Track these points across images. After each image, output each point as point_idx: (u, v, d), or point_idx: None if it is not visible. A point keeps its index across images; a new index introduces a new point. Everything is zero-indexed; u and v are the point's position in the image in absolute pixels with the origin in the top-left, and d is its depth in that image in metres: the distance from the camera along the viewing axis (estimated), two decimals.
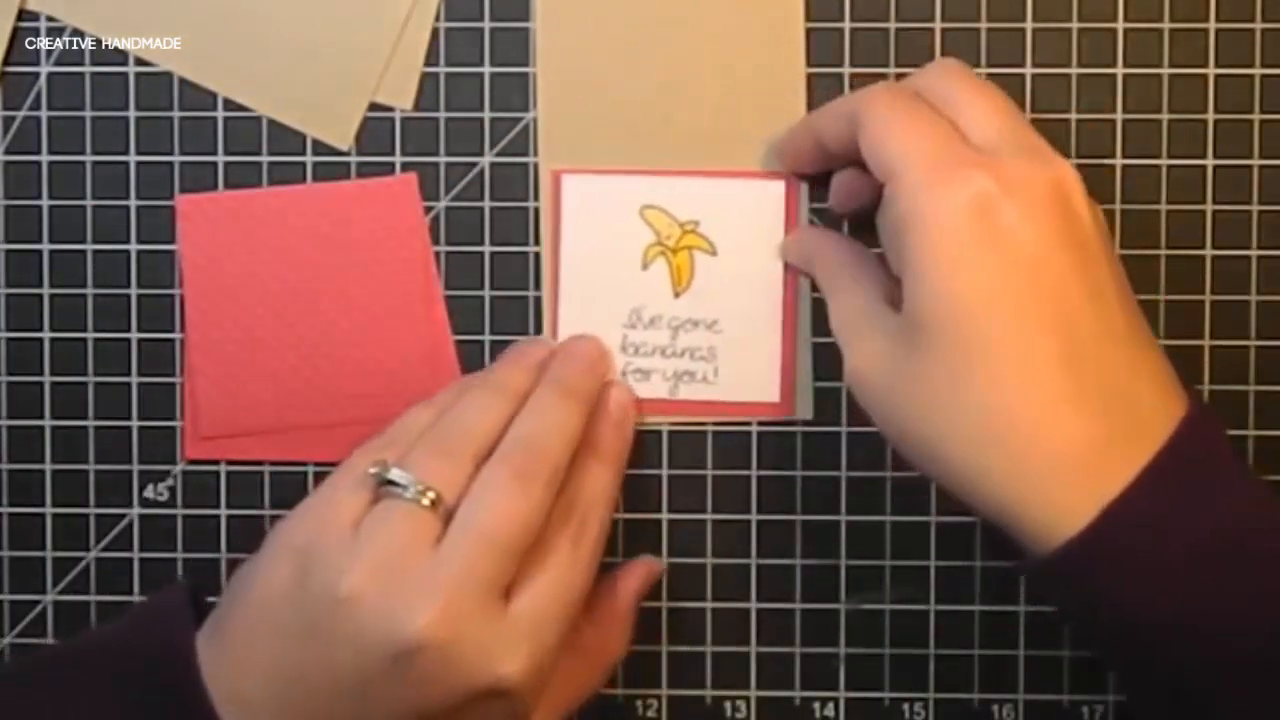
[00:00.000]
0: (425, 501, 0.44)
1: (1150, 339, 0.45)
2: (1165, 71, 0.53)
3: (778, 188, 0.53)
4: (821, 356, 0.53)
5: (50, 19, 0.53)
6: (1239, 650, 0.41)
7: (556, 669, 0.46)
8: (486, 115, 0.53)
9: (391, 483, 0.45)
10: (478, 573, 0.44)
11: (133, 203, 0.53)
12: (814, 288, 0.53)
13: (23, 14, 0.53)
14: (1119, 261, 0.45)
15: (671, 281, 0.53)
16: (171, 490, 0.54)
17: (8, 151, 0.53)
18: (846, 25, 0.53)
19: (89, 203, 0.54)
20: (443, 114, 0.53)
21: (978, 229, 0.43)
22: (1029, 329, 0.42)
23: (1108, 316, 0.43)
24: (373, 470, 0.45)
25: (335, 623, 0.43)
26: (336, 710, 0.44)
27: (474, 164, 0.53)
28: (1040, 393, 0.42)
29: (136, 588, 0.54)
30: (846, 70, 0.53)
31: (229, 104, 0.53)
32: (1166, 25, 0.53)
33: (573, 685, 0.50)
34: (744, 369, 0.53)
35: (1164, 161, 0.53)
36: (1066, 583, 0.43)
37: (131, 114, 0.53)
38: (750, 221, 0.53)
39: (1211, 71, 0.53)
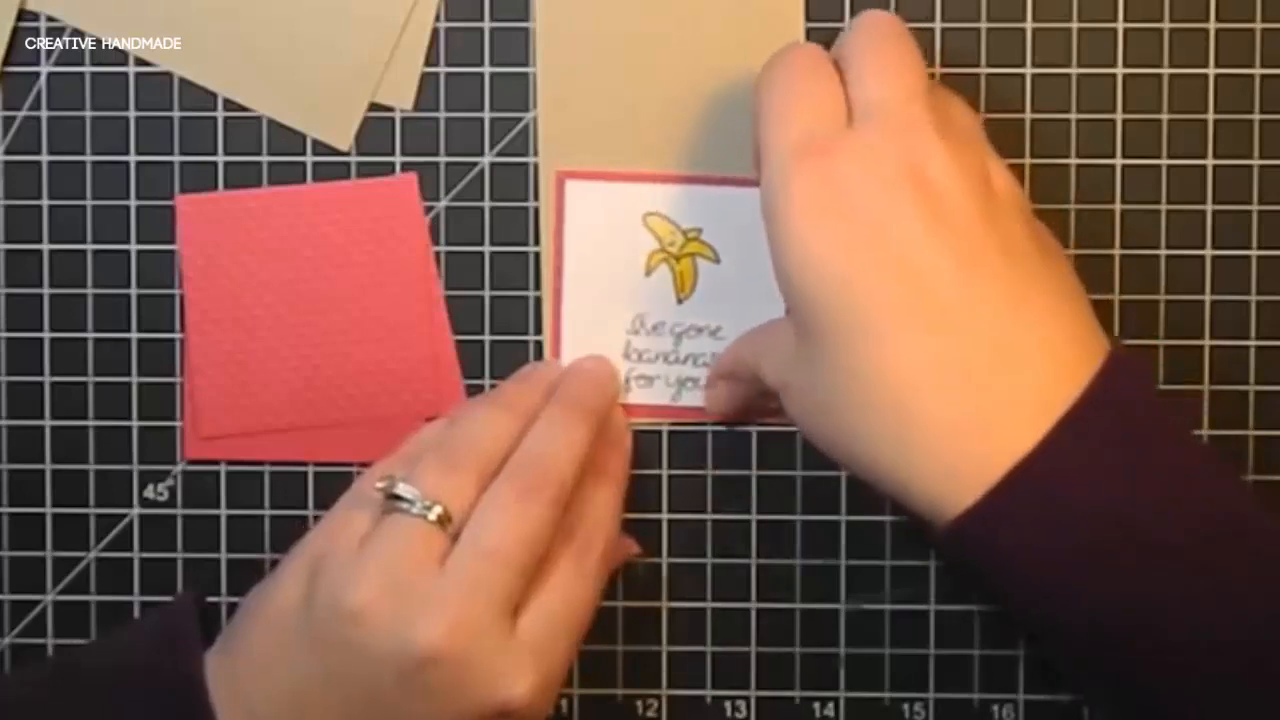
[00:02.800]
0: (431, 517, 0.44)
1: (1057, 303, 0.43)
2: (1165, 71, 0.53)
3: None
4: None
5: (50, 19, 0.53)
6: (1150, 605, 0.40)
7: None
8: (486, 115, 0.53)
9: (398, 497, 0.45)
10: (487, 590, 0.44)
11: (133, 203, 0.53)
12: None
13: (23, 14, 0.53)
14: (1018, 223, 0.44)
15: (674, 288, 0.53)
16: (171, 490, 0.54)
17: (8, 151, 0.53)
18: (847, 25, 0.53)
19: (89, 203, 0.53)
20: (443, 114, 0.53)
21: (826, 213, 0.42)
22: (888, 300, 0.42)
23: (981, 282, 0.42)
24: (380, 485, 0.45)
25: (342, 638, 0.43)
26: None
27: (474, 164, 0.53)
28: (905, 365, 0.42)
29: (136, 588, 0.54)
30: None
31: (229, 104, 0.53)
32: (1166, 25, 0.53)
33: None
34: None
35: (1164, 161, 0.53)
36: (969, 553, 0.42)
37: (131, 114, 0.53)
38: (752, 228, 0.52)
39: (1211, 71, 0.53)
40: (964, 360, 0.42)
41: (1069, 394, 0.41)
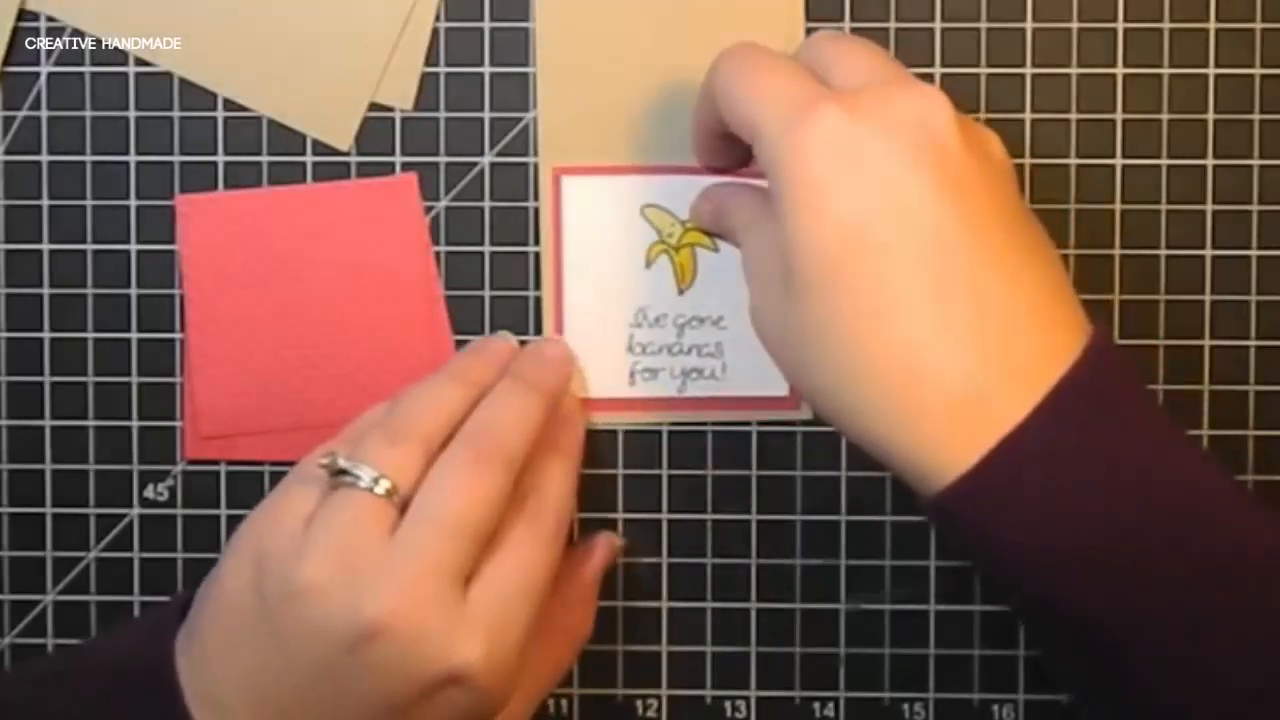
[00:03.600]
0: (380, 490, 0.44)
1: (1048, 276, 0.43)
2: (1165, 71, 0.53)
3: None
4: None
5: (50, 19, 0.53)
6: (1135, 595, 0.40)
7: (527, 657, 0.46)
8: (486, 115, 0.53)
9: (344, 472, 0.44)
10: (435, 559, 0.43)
11: (133, 203, 0.54)
12: None
13: (23, 14, 0.53)
14: (1012, 193, 0.44)
15: (675, 279, 0.53)
16: (171, 490, 0.54)
17: (8, 151, 0.53)
18: (847, 25, 0.53)
19: (89, 203, 0.54)
20: (443, 114, 0.53)
21: (834, 164, 0.41)
22: (895, 260, 0.41)
23: (985, 247, 0.41)
24: (323, 462, 0.45)
25: (292, 616, 0.43)
26: (305, 705, 0.44)
27: (474, 164, 0.53)
28: (912, 327, 0.41)
29: (136, 588, 0.54)
30: None
31: (229, 104, 0.53)
32: (1166, 25, 0.53)
33: (542, 667, 0.50)
34: (751, 364, 0.53)
35: (1164, 161, 0.53)
36: (958, 524, 0.41)
37: (131, 114, 0.53)
38: None
39: (1211, 71, 0.53)
40: (967, 328, 0.41)
41: (1059, 369, 0.41)
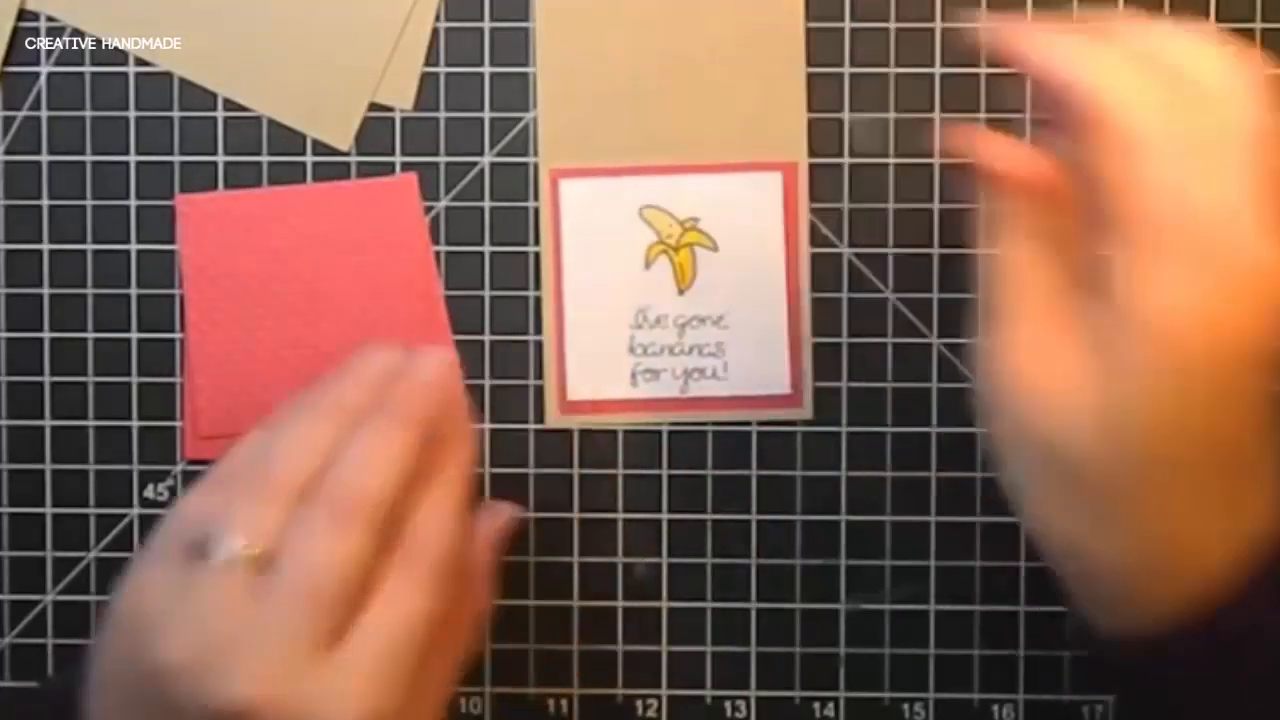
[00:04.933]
0: (243, 557, 0.42)
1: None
2: None
3: (774, 179, 0.53)
4: (821, 356, 0.53)
5: (50, 19, 0.53)
6: None
7: (420, 691, 0.43)
8: (486, 115, 0.53)
9: (207, 541, 0.42)
10: (299, 626, 0.41)
11: (133, 203, 0.54)
12: (815, 286, 0.53)
13: (23, 14, 0.53)
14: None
15: (675, 279, 0.53)
16: (171, 490, 0.54)
17: (8, 151, 0.53)
18: (846, 25, 0.53)
19: (89, 203, 0.54)
20: (443, 114, 0.53)
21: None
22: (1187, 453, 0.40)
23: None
24: (187, 531, 0.43)
25: (158, 695, 0.41)
26: None
27: (474, 164, 0.53)
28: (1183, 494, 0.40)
29: None
30: (846, 70, 0.53)
31: (229, 104, 0.53)
32: None
33: (445, 663, 0.46)
34: (753, 362, 0.53)
35: None
36: (1158, 671, 0.41)
37: (131, 114, 0.53)
38: (749, 214, 0.53)
39: None
40: (1219, 491, 0.40)
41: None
